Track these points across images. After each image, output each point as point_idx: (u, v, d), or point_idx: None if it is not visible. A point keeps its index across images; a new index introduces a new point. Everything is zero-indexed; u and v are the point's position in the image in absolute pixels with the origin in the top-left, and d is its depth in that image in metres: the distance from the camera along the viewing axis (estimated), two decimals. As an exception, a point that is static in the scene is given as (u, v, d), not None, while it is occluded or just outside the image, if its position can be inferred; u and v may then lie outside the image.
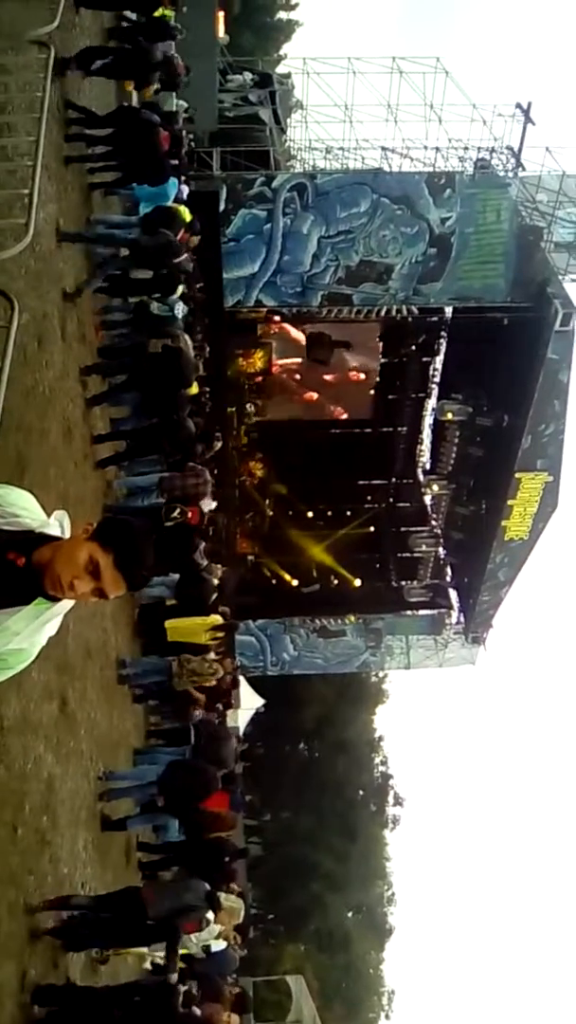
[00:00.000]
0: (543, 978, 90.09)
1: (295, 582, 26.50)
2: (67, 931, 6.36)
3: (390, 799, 43.00)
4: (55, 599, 2.49)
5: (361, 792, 41.51)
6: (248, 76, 22.77)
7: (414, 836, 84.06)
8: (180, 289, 11.10)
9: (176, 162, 11.41)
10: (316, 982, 33.06)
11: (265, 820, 39.06)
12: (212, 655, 11.11)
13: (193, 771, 9.45)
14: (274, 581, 26.24)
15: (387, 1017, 45.90)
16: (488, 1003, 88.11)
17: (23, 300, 5.70)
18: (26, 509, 2.56)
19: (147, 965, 8.87)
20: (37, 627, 2.50)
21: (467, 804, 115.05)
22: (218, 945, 8.99)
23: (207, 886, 7.12)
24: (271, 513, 27.27)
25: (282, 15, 50.93)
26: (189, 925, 7.02)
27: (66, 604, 2.57)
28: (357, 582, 26.71)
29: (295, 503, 27.37)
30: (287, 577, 26.43)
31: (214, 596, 11.52)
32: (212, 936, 8.64)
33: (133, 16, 13.51)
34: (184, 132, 12.42)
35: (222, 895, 7.06)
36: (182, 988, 6.53)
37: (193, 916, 6.98)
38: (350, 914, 41.69)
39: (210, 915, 6.95)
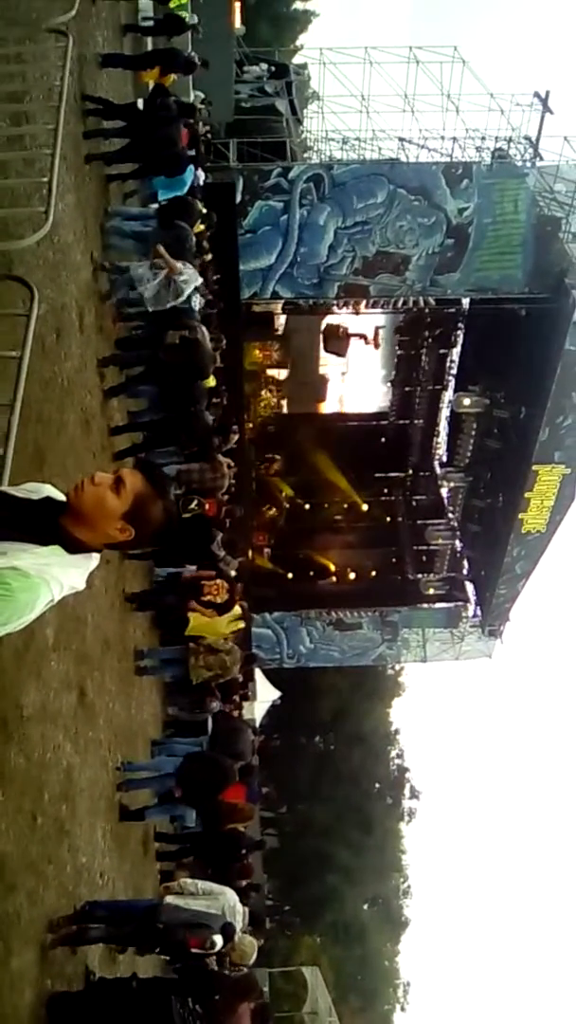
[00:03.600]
0: (559, 971, 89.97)
1: (311, 574, 26.52)
2: (77, 936, 6.36)
3: (406, 792, 42.99)
4: (73, 551, 2.59)
5: (377, 785, 41.51)
6: (264, 67, 22.70)
7: (430, 829, 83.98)
8: (197, 281, 11.09)
9: (193, 152, 11.40)
10: (332, 974, 33.15)
11: (281, 812, 39.11)
12: (227, 647, 11.08)
13: (211, 763, 9.47)
14: (290, 574, 26.25)
15: (402, 1009, 46.02)
16: (503, 996, 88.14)
17: (42, 292, 5.70)
18: (53, 492, 2.72)
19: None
20: (45, 562, 2.52)
21: (483, 797, 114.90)
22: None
23: (227, 919, 7.07)
24: (287, 506, 27.28)
25: (298, 5, 50.59)
26: (194, 940, 7.00)
27: (82, 559, 2.63)
28: (373, 573, 26.74)
29: (311, 495, 27.37)
30: (316, 565, 26.38)
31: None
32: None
33: (150, 13, 13.55)
34: (203, 126, 12.39)
35: (237, 936, 7.00)
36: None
37: (200, 932, 6.93)
38: (366, 906, 41.74)
39: (217, 938, 6.90)
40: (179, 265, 9.41)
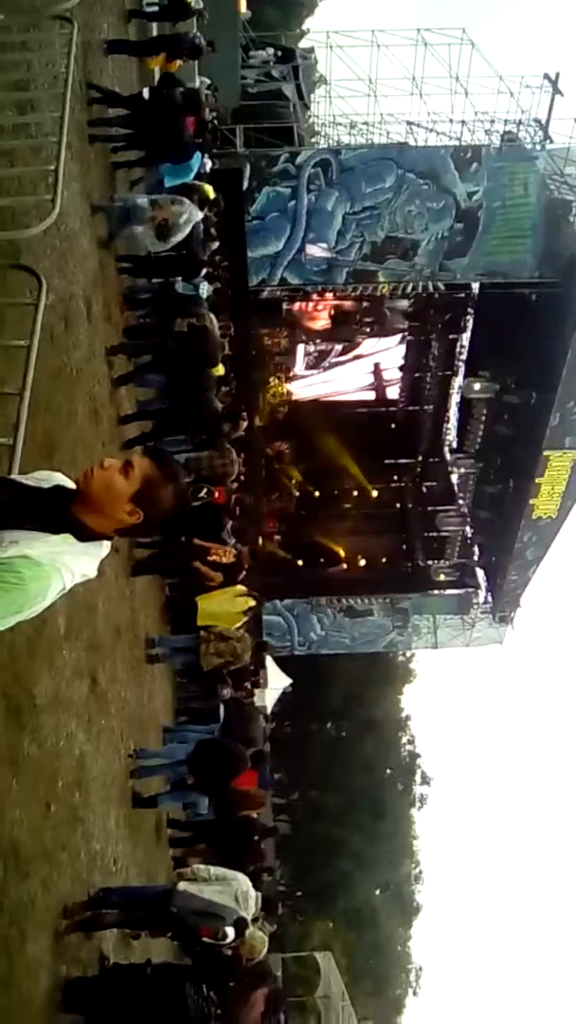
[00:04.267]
0: (569, 956, 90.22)
1: (321, 561, 26.53)
2: (92, 922, 6.40)
3: (417, 778, 43.04)
4: (83, 539, 2.60)
5: (389, 771, 41.59)
6: (271, 51, 22.52)
7: (441, 815, 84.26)
8: (204, 269, 11.07)
9: (200, 140, 11.34)
10: (344, 959, 33.34)
11: (293, 799, 39.25)
12: (238, 634, 11.08)
13: (223, 750, 9.50)
14: (300, 561, 26.26)
15: (415, 994, 46.20)
16: (514, 981, 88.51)
17: (49, 281, 5.69)
18: (63, 481, 2.74)
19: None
20: (57, 550, 2.53)
21: (494, 783, 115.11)
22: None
23: (241, 913, 7.10)
24: (297, 493, 27.26)
25: (304, -11, 50.24)
26: (206, 929, 7.04)
27: (92, 547, 2.64)
28: (383, 560, 26.76)
29: (321, 482, 27.35)
30: (326, 552, 26.43)
31: (241, 575, 11.52)
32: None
33: (155, -1, 13.44)
34: (209, 112, 12.32)
35: (248, 931, 7.02)
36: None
37: (212, 922, 6.96)
38: (378, 892, 41.89)
39: (229, 930, 6.92)
40: (175, 208, 9.36)
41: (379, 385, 28.56)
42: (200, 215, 10.05)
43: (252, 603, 11.20)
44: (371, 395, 28.95)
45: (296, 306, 23.51)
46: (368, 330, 26.05)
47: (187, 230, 9.63)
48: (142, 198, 9.58)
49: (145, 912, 7.04)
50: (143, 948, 7.88)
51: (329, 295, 22.16)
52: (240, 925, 6.89)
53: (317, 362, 27.76)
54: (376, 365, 28.11)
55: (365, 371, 28.42)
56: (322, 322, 25.41)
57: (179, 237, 9.57)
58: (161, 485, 2.61)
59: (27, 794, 5.33)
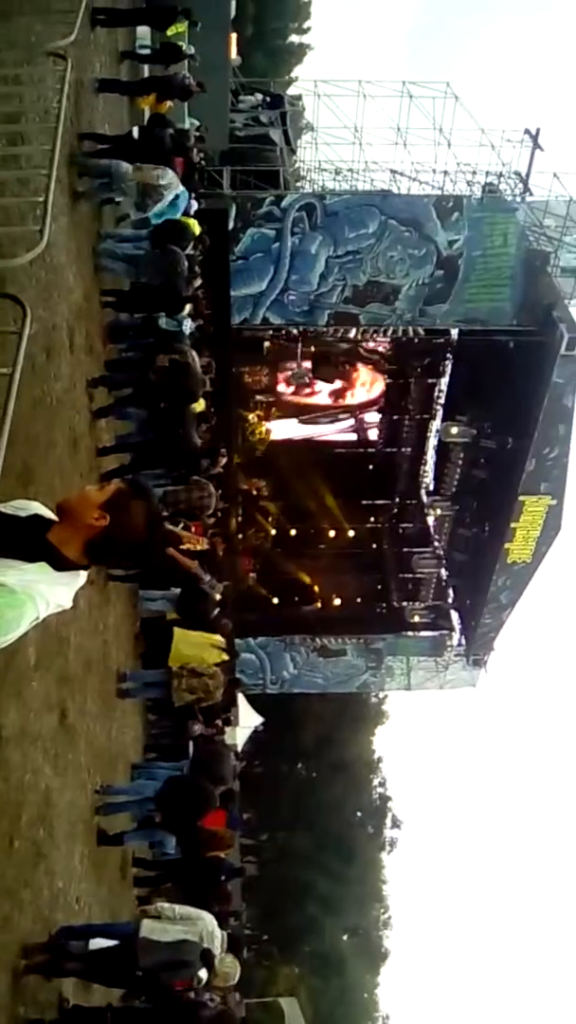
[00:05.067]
0: (540, 1005, 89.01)
1: (296, 599, 26.47)
2: (52, 966, 6.24)
3: (388, 821, 42.72)
4: (60, 568, 2.61)
5: (359, 813, 41.25)
6: (259, 97, 22.99)
7: (411, 859, 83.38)
8: (188, 306, 11.15)
9: (187, 180, 11.49)
10: (309, 1005, 32.73)
11: (262, 839, 38.77)
12: (211, 671, 11.00)
13: (192, 787, 9.38)
14: (275, 599, 26.20)
15: (381, 1043, 45.41)
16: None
17: (33, 311, 5.72)
18: (40, 509, 2.78)
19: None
20: (32, 578, 2.54)
21: (466, 828, 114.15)
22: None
23: (204, 945, 6.95)
24: (274, 532, 27.29)
25: (294, 38, 51.50)
26: (180, 983, 6.89)
27: (68, 576, 2.65)
28: (358, 600, 26.76)
29: (297, 521, 27.39)
30: (301, 590, 26.42)
31: (216, 612, 11.48)
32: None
33: (148, 41, 13.71)
34: (197, 154, 12.53)
35: (217, 958, 6.87)
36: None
37: (185, 973, 6.81)
38: (345, 937, 41.30)
39: (203, 973, 6.78)
40: (156, 171, 9.42)
41: (360, 427, 28.78)
42: (182, 189, 10.11)
43: (225, 657, 11.18)
44: (352, 436, 29.16)
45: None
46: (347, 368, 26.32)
47: (168, 197, 9.68)
48: (124, 164, 9.62)
49: (107, 969, 6.84)
50: (103, 991, 7.70)
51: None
52: (207, 958, 6.73)
53: (301, 412, 27.97)
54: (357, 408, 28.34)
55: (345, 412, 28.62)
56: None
57: (160, 205, 9.61)
58: (131, 498, 2.68)
59: (-9, 828, 5.23)
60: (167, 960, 6.74)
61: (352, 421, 28.73)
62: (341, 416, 28.09)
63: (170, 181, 9.69)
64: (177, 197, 10.37)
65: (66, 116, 6.30)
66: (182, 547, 10.87)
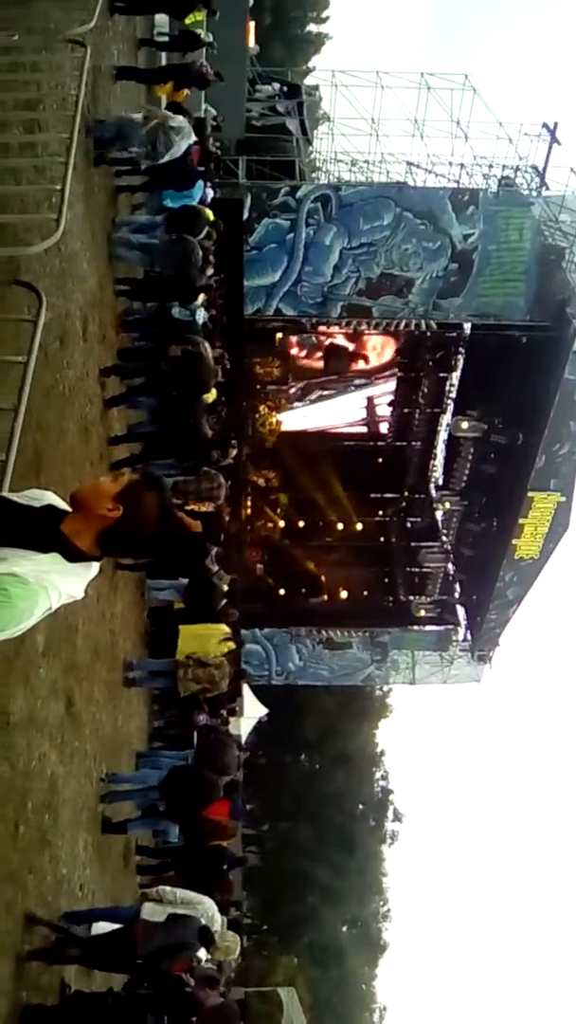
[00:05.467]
0: (539, 999, 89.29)
1: (303, 591, 26.48)
2: (54, 953, 6.27)
3: (389, 814, 42.78)
4: (72, 559, 2.61)
5: (361, 806, 41.31)
6: (277, 86, 22.88)
7: (412, 852, 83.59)
8: (201, 296, 11.13)
9: (203, 169, 11.45)
10: (308, 995, 32.87)
11: (264, 830, 38.87)
12: (216, 661, 11.01)
13: (196, 777, 9.41)
14: (282, 590, 26.21)
15: (378, 1034, 45.60)
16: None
17: (47, 299, 5.71)
18: (53, 499, 2.77)
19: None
20: (45, 569, 2.55)
21: (467, 823, 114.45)
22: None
23: (202, 922, 6.95)
24: (282, 523, 27.28)
25: (312, 28, 51.19)
26: (179, 966, 6.91)
27: (81, 567, 2.65)
28: (364, 593, 26.76)
29: (306, 513, 27.38)
30: (308, 583, 26.42)
31: (223, 603, 11.48)
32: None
33: (166, 29, 13.65)
34: (214, 143, 12.49)
35: (217, 933, 6.86)
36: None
37: (184, 956, 6.81)
38: (345, 928, 41.43)
39: (202, 953, 6.78)
40: (168, 112, 9.39)
41: (372, 420, 28.71)
42: (195, 138, 10.05)
43: (231, 646, 11.18)
44: (363, 429, 29.10)
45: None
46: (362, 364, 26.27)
47: (183, 145, 9.60)
48: (136, 113, 9.58)
49: (108, 954, 6.87)
50: (105, 976, 7.75)
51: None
52: (205, 936, 6.74)
53: (304, 395, 27.92)
54: (369, 399, 28.28)
55: (358, 405, 28.56)
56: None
57: (173, 150, 9.54)
58: (144, 489, 2.66)
59: (-4, 813, 5.26)
60: (165, 944, 6.77)
61: (364, 413, 28.64)
62: (353, 386, 27.86)
63: (182, 124, 9.61)
64: (192, 189, 10.34)
65: (84, 104, 6.27)
66: (188, 507, 10.72)
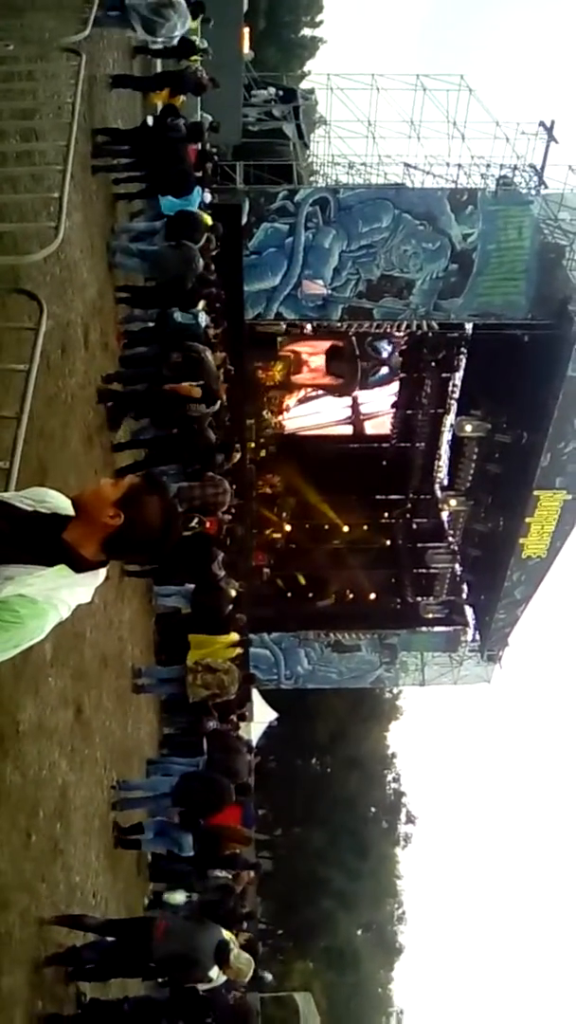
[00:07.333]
0: (553, 999, 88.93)
1: (310, 595, 26.46)
2: (69, 958, 6.24)
3: (402, 817, 42.65)
4: (78, 569, 2.60)
5: (373, 809, 41.20)
6: (272, 91, 22.88)
7: (426, 855, 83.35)
8: (202, 301, 11.14)
9: (200, 174, 11.48)
10: (324, 1000, 32.77)
11: (276, 835, 38.81)
12: (225, 666, 11.00)
13: (208, 783, 9.39)
14: (289, 594, 26.19)
15: (395, 1038, 45.45)
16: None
17: (48, 307, 5.72)
18: (57, 499, 2.75)
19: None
20: (53, 585, 2.54)
21: (480, 823, 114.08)
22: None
23: (223, 936, 6.88)
24: (288, 527, 27.28)
25: (306, 32, 51.36)
26: (190, 978, 6.87)
27: (88, 576, 2.64)
28: (372, 595, 26.71)
29: (311, 516, 27.37)
30: (303, 590, 26.40)
31: (229, 608, 11.47)
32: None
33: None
34: (210, 146, 12.51)
35: (232, 954, 6.80)
36: None
37: (196, 972, 6.77)
38: (360, 932, 41.30)
39: (214, 972, 6.73)
40: None
41: (356, 419, 28.60)
42: (192, 23, 10.05)
43: (240, 651, 11.18)
44: (348, 429, 29.05)
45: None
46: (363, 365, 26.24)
47: (177, 24, 9.60)
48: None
49: (122, 959, 6.84)
50: (120, 984, 7.73)
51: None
52: (222, 952, 6.69)
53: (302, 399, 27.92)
54: (354, 398, 28.19)
55: (343, 405, 28.50)
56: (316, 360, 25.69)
57: (170, 28, 9.57)
58: (146, 493, 2.63)
59: (7, 823, 5.25)
60: (179, 953, 6.72)
61: (349, 412, 28.54)
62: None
63: (180, 1, 9.59)
64: (190, 195, 10.33)
65: (80, 112, 6.29)
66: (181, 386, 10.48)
